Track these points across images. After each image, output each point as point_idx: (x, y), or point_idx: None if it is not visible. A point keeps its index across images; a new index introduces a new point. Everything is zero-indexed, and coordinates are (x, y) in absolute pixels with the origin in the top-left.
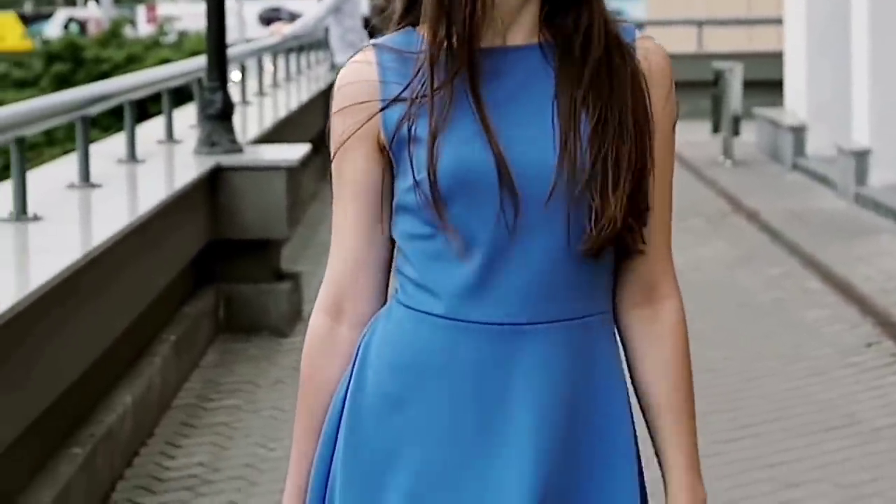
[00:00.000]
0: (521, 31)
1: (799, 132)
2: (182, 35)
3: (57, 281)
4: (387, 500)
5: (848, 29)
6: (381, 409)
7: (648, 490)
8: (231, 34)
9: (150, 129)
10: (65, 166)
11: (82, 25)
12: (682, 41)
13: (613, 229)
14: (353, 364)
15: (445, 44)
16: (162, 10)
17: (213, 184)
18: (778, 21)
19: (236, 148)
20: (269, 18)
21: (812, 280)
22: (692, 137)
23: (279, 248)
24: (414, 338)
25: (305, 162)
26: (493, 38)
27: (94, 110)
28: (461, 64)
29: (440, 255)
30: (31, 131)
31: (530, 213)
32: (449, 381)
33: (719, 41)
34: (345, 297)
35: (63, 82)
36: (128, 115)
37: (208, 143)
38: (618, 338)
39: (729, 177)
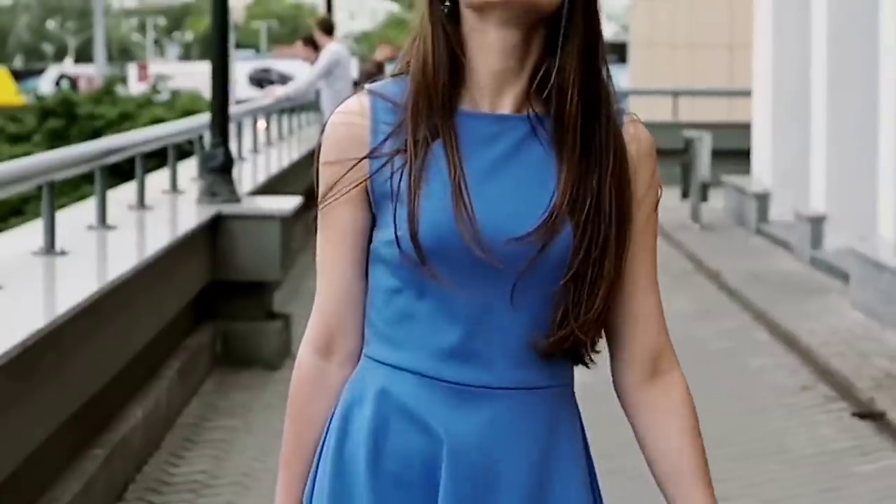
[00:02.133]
0: (510, 99)
1: (763, 199)
2: (174, 94)
3: (81, 307)
4: None
5: (809, 101)
6: (354, 462)
7: None
8: None
9: (155, 180)
10: (84, 210)
11: (73, 82)
12: (660, 110)
13: (578, 338)
14: (335, 411)
15: (423, 105)
16: (154, 68)
17: (213, 230)
18: (749, 93)
19: (235, 198)
20: (259, 79)
21: (761, 332)
22: (663, 202)
23: (272, 291)
24: (380, 395)
25: (296, 214)
26: (479, 102)
27: (111, 160)
28: (438, 127)
29: (409, 311)
30: (60, 177)
31: (501, 285)
32: (419, 438)
33: (700, 111)
34: (334, 333)
35: (57, 138)
36: (138, 166)
37: (210, 193)
38: (574, 407)
39: (695, 239)
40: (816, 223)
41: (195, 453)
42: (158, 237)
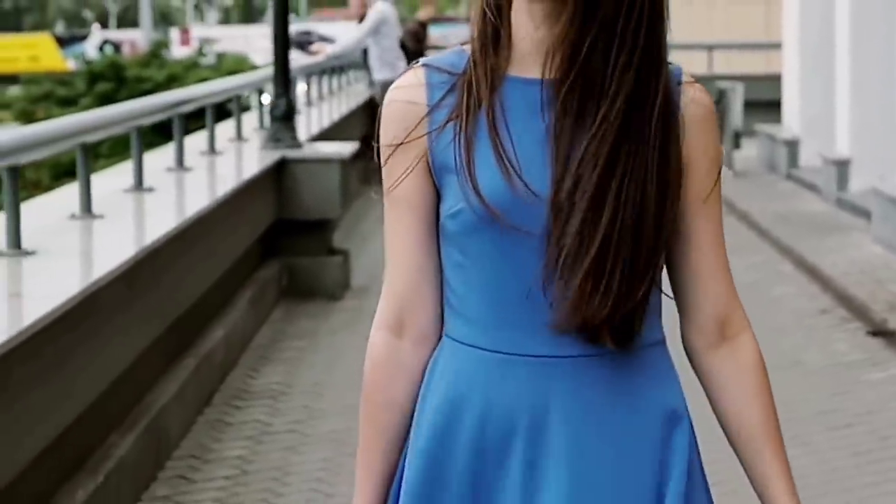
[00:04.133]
0: (559, 64)
1: (792, 145)
2: (220, 56)
3: (168, 237)
4: None
5: (834, 53)
6: (432, 442)
7: None
8: (265, 56)
9: (220, 130)
10: (163, 154)
11: (117, 47)
12: (696, 64)
13: (623, 305)
14: (421, 389)
15: (475, 73)
16: (197, 32)
17: (278, 173)
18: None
19: (297, 144)
20: (300, 42)
21: (786, 265)
22: None
23: (332, 228)
24: (456, 372)
25: (352, 159)
26: (529, 68)
27: (186, 109)
28: (484, 92)
29: (475, 284)
30: (144, 122)
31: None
32: (490, 414)
33: (737, 64)
34: (406, 310)
35: (106, 100)
36: (209, 116)
37: (274, 140)
38: (667, 368)
39: (728, 185)
40: (842, 166)
41: (270, 369)
42: (229, 179)
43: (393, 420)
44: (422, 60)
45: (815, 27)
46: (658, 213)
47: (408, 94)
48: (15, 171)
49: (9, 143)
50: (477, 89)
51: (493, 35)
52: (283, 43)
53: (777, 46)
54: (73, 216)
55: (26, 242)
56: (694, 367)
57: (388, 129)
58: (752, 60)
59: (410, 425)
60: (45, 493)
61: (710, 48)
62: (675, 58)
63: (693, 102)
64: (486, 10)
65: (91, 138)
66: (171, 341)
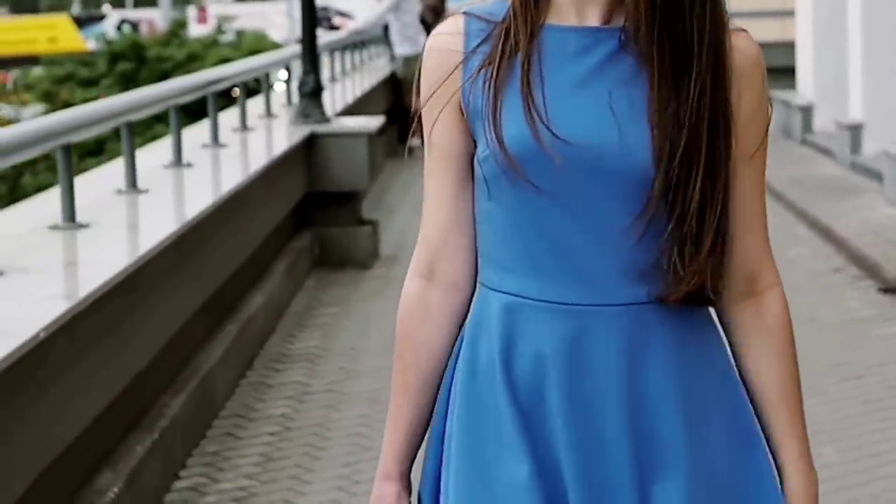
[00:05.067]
0: (598, 11)
1: (807, 111)
2: (240, 34)
3: (209, 210)
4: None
5: (846, 20)
6: (490, 379)
7: None
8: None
9: (250, 107)
10: (199, 131)
11: (135, 26)
12: None
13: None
14: (461, 339)
15: (513, 18)
16: (215, 10)
17: (308, 147)
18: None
19: (326, 119)
20: (318, 18)
21: (801, 227)
22: None
23: (361, 199)
24: (493, 318)
25: (379, 132)
26: (567, 15)
27: (218, 88)
28: (522, 40)
29: (507, 232)
30: (181, 101)
31: (588, 201)
32: (534, 359)
33: (753, 31)
34: (437, 258)
35: (128, 80)
36: (242, 94)
37: (303, 115)
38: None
39: None
40: (855, 131)
41: (306, 334)
42: (262, 154)
43: (423, 363)
44: (463, 8)
45: None
46: (710, 160)
47: (446, 41)
48: (68, 150)
49: (62, 123)
50: (515, 37)
51: None
52: (310, 20)
53: (791, 13)
54: (119, 191)
55: (80, 216)
56: (720, 319)
57: (426, 77)
58: (767, 27)
59: (441, 371)
60: (108, 447)
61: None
62: None
63: (739, 52)
64: None
65: (135, 117)
66: (213, 309)
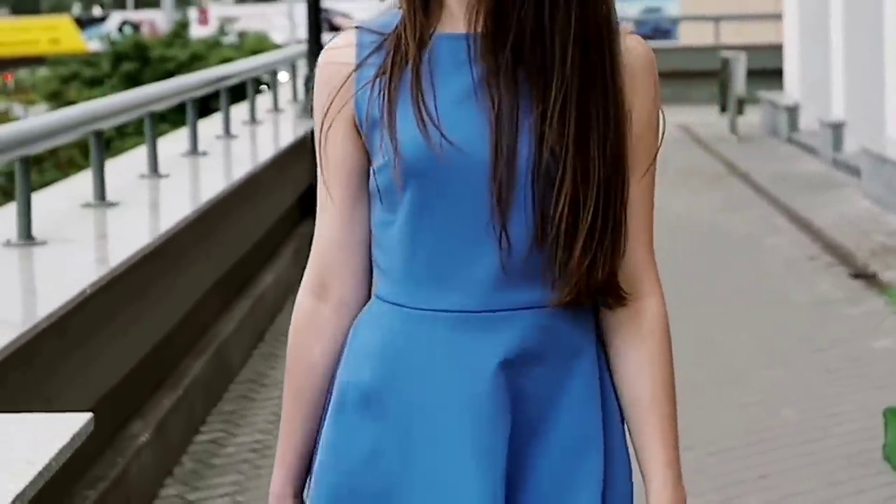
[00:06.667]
0: (484, 17)
1: (793, 111)
2: (242, 35)
3: (223, 195)
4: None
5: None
6: (359, 402)
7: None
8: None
9: (258, 102)
10: (212, 123)
11: (136, 27)
12: (706, 35)
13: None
14: (343, 352)
15: (403, 28)
16: (217, 11)
17: (313, 140)
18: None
19: None
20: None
21: (780, 219)
22: (701, 118)
23: None
24: (385, 331)
25: None
26: (457, 23)
27: (230, 83)
28: (412, 49)
29: (400, 242)
30: (198, 94)
31: (484, 209)
32: (415, 374)
33: (746, 34)
34: (328, 276)
35: (131, 80)
36: (250, 89)
37: (309, 110)
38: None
39: (732, 148)
40: (837, 129)
41: None
42: (270, 146)
43: (313, 382)
44: (355, 22)
45: None
46: (624, 166)
47: (337, 55)
48: (99, 135)
49: (94, 112)
50: (405, 46)
51: None
52: (315, 19)
53: (779, 17)
54: (142, 175)
55: (110, 196)
56: (599, 324)
57: (319, 92)
58: (761, 31)
59: (331, 388)
60: (139, 400)
61: (716, 20)
62: (683, 29)
63: (631, 53)
64: None
65: (157, 107)
66: (228, 285)
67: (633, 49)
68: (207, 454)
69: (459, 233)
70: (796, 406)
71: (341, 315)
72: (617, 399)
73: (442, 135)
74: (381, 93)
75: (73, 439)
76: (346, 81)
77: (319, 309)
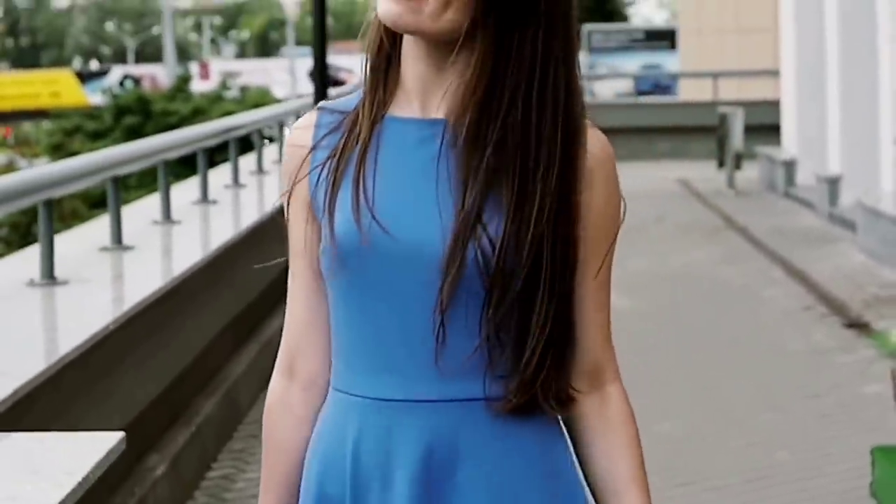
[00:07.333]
0: (440, 103)
1: (790, 165)
2: (243, 89)
3: (232, 242)
4: None
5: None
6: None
7: None
8: (283, 89)
9: (264, 153)
10: (222, 173)
11: (137, 81)
12: (705, 91)
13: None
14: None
15: (360, 109)
16: (219, 66)
17: None
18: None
19: None
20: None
21: (777, 272)
22: (701, 173)
23: None
24: (331, 418)
25: None
26: (409, 107)
27: (237, 134)
28: (364, 131)
29: (339, 328)
30: (208, 144)
31: (424, 297)
32: (345, 457)
33: (746, 90)
34: (296, 355)
35: (133, 133)
36: (257, 141)
37: None
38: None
39: (730, 203)
40: (833, 183)
41: None
42: (275, 195)
43: (284, 464)
44: (321, 103)
45: (810, 55)
46: (573, 263)
47: (298, 136)
48: (115, 182)
49: (110, 159)
50: (359, 128)
51: (385, 69)
52: (321, 72)
53: (777, 74)
54: (155, 222)
55: (126, 240)
56: (565, 417)
57: (283, 175)
58: (759, 87)
59: (303, 471)
60: (155, 435)
61: (715, 76)
62: (683, 85)
63: (593, 147)
64: (373, 43)
65: (170, 156)
66: (237, 329)
67: (592, 146)
68: (219, 489)
69: (391, 319)
70: (791, 448)
71: (311, 394)
72: (580, 487)
73: (375, 220)
74: (329, 176)
75: (107, 454)
76: (301, 164)
77: (290, 390)
